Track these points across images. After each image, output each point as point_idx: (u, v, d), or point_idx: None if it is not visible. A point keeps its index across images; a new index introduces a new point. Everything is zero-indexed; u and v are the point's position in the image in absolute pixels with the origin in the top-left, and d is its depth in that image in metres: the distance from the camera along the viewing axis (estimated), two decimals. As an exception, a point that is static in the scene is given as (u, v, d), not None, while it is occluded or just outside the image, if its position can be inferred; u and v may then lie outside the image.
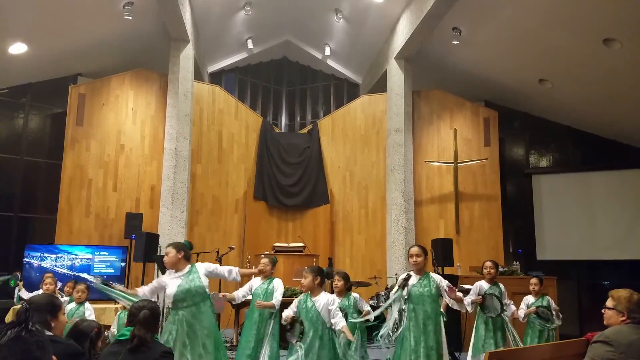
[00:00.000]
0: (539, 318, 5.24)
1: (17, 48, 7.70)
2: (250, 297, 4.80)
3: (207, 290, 4.03)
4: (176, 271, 4.04)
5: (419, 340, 4.02)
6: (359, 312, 4.77)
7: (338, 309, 3.95)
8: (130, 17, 7.48)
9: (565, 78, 8.29)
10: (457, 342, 6.25)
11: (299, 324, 3.84)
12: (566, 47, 7.47)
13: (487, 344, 4.94)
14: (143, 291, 4.04)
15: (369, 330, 7.27)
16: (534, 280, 5.49)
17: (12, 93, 8.64)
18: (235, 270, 4.30)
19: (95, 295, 5.12)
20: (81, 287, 5.11)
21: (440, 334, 4.09)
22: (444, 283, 4.16)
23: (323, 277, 4.09)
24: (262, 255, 5.34)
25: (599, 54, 7.22)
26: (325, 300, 3.92)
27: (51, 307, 2.41)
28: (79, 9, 7.41)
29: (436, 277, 4.23)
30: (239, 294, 4.73)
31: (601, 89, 8.12)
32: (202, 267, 4.11)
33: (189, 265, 4.07)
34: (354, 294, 4.87)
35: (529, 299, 5.48)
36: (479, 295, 5.07)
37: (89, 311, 5.04)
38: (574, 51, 7.49)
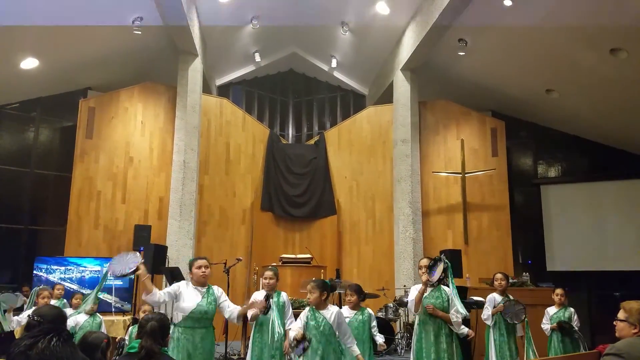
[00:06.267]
0: (561, 331, 5.21)
1: (28, 63, 7.83)
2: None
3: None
4: (196, 285, 3.83)
5: (429, 352, 4.01)
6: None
7: (347, 326, 3.90)
8: (140, 32, 7.59)
9: (572, 88, 8.28)
10: (468, 355, 6.18)
11: (307, 341, 3.76)
12: (572, 57, 7.47)
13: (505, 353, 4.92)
14: (159, 295, 3.72)
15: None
16: (559, 291, 5.43)
17: (22, 107, 8.77)
18: (236, 311, 3.90)
19: (103, 307, 5.13)
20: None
21: (452, 345, 4.07)
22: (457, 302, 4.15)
23: (329, 291, 4.03)
24: (268, 267, 5.22)
25: (605, 63, 7.22)
26: (336, 313, 3.86)
27: (64, 318, 2.43)
28: (89, 24, 7.52)
29: (447, 290, 4.23)
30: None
31: (608, 98, 8.10)
32: (219, 293, 3.88)
33: (207, 285, 3.88)
34: (369, 310, 4.72)
35: (552, 309, 5.43)
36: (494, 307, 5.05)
37: (102, 322, 5.07)
38: (580, 61, 7.49)
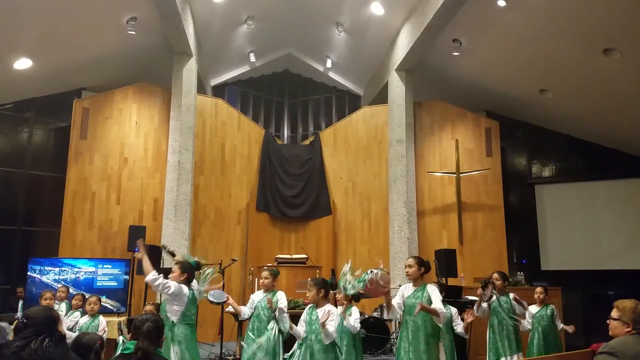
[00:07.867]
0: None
1: (22, 63, 7.78)
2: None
3: (170, 315, 3.98)
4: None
5: (408, 351, 3.96)
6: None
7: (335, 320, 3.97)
8: (134, 32, 7.57)
9: (566, 88, 8.32)
10: (462, 355, 6.19)
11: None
12: (566, 57, 7.51)
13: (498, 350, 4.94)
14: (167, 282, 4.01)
15: (373, 344, 7.23)
16: (539, 289, 5.54)
17: (16, 107, 8.71)
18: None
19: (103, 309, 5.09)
20: (93, 299, 5.12)
21: (432, 346, 3.95)
22: (436, 302, 3.97)
23: (327, 289, 4.09)
24: (264, 268, 5.31)
25: (598, 63, 7.26)
26: (330, 311, 3.92)
27: (55, 319, 2.41)
28: (83, 24, 7.50)
29: (431, 291, 4.08)
30: (245, 311, 4.63)
31: (602, 99, 8.14)
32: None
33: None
34: (354, 308, 4.76)
35: (533, 308, 5.48)
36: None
37: (103, 324, 5.04)
38: (574, 61, 7.54)
